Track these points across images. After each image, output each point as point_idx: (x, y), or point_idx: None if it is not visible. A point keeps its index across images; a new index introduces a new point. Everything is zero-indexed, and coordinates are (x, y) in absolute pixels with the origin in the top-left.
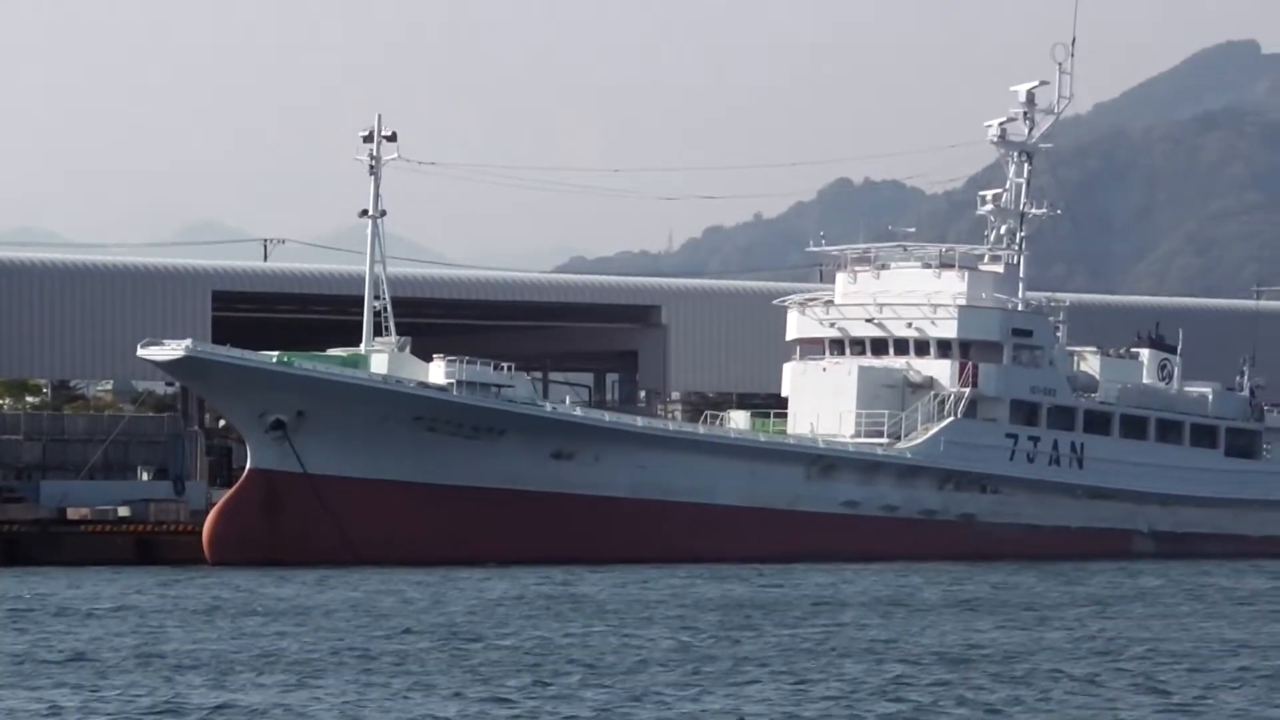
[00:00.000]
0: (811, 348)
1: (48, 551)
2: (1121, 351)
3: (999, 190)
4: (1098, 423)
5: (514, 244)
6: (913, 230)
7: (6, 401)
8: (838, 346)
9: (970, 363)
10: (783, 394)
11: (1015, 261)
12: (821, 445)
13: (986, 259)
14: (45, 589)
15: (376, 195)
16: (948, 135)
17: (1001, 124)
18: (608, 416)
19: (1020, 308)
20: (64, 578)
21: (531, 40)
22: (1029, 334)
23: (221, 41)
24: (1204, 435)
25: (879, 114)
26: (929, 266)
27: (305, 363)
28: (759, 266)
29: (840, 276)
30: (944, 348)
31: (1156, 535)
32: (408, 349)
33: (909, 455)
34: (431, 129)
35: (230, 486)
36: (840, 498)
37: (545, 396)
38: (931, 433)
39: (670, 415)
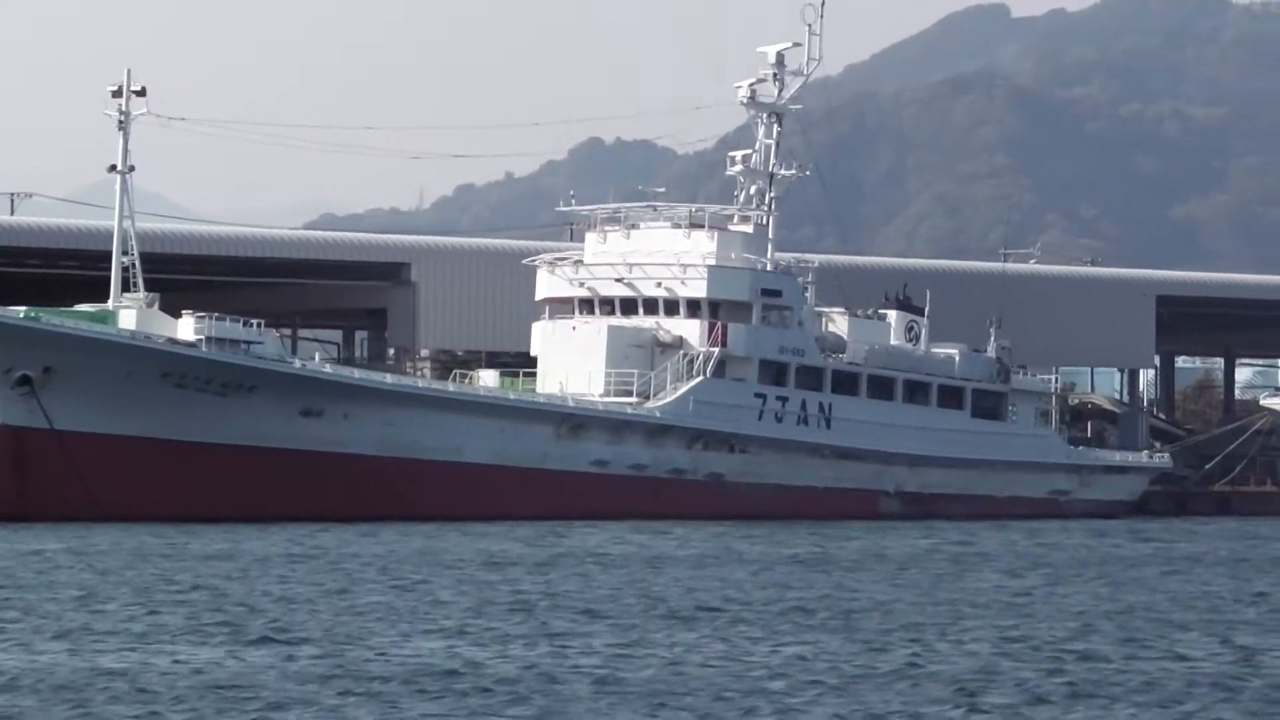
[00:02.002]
0: (561, 307)
1: None
2: (869, 313)
3: (749, 151)
4: (845, 383)
5: (265, 200)
6: (663, 190)
7: None
8: (587, 306)
9: (719, 322)
10: (532, 353)
11: (764, 222)
12: (571, 404)
13: (736, 219)
14: None
15: (125, 150)
16: (699, 96)
17: (751, 85)
18: (356, 374)
19: (769, 268)
20: None
21: None
22: (778, 294)
23: None
24: (950, 396)
25: (631, 74)
26: (679, 226)
27: (52, 318)
28: (510, 225)
29: (590, 236)
30: (693, 307)
31: (903, 496)
32: (156, 305)
33: (658, 414)
34: (183, 84)
35: None
36: (589, 456)
37: (294, 353)
38: (680, 392)
39: (419, 373)
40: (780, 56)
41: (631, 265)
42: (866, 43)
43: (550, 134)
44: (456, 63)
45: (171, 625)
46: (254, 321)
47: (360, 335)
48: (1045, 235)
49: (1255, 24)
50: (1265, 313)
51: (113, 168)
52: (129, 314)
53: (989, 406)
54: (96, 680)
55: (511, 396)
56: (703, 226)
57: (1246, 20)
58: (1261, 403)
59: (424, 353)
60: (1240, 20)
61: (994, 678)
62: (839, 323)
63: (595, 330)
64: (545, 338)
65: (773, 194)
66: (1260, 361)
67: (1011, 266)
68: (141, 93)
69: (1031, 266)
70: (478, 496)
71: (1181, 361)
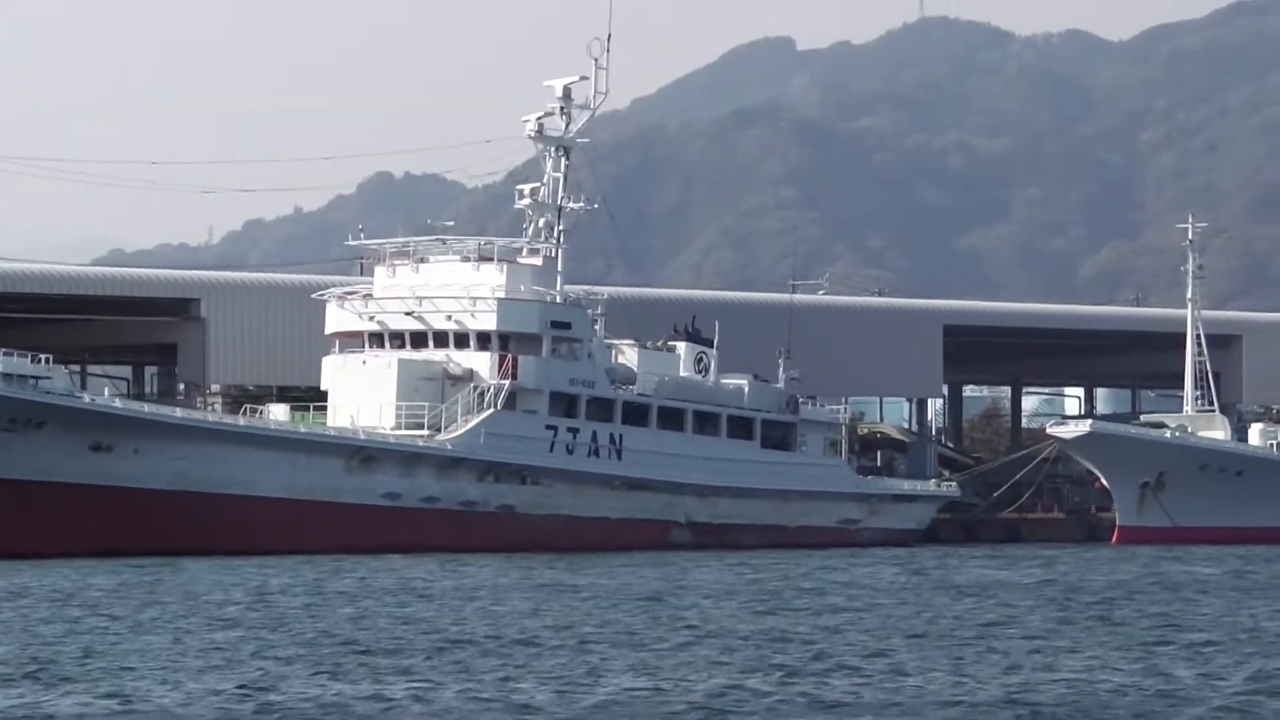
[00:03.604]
0: (351, 341)
1: None
2: (659, 344)
3: (537, 185)
4: (636, 415)
5: (53, 237)
6: (452, 224)
7: None
8: (377, 339)
9: (509, 355)
10: (323, 387)
11: (553, 255)
12: (362, 437)
13: (525, 252)
14: None
15: None
16: (489, 129)
17: (539, 119)
18: (147, 409)
19: (559, 300)
20: None
21: (70, 30)
22: (568, 326)
23: None
24: (740, 427)
25: (420, 107)
26: (468, 260)
27: None
28: (299, 260)
29: (379, 270)
30: (483, 340)
31: (694, 526)
32: None
33: (449, 447)
34: None
35: None
36: (381, 489)
37: (84, 389)
38: (471, 424)
39: (210, 408)
40: (567, 90)
41: (421, 299)
42: (653, 76)
43: (339, 168)
44: (243, 96)
45: None
46: (43, 357)
47: (150, 371)
48: (833, 266)
49: (1037, 56)
50: (1050, 341)
51: None
52: None
53: (778, 437)
54: None
55: (302, 430)
56: (492, 259)
57: (1029, 52)
58: (1048, 430)
59: (214, 388)
60: (1022, 52)
61: None
62: (629, 354)
63: (385, 364)
64: (335, 372)
65: (561, 227)
66: (1046, 390)
67: (799, 298)
68: None
69: (819, 298)
70: (270, 530)
71: (969, 391)
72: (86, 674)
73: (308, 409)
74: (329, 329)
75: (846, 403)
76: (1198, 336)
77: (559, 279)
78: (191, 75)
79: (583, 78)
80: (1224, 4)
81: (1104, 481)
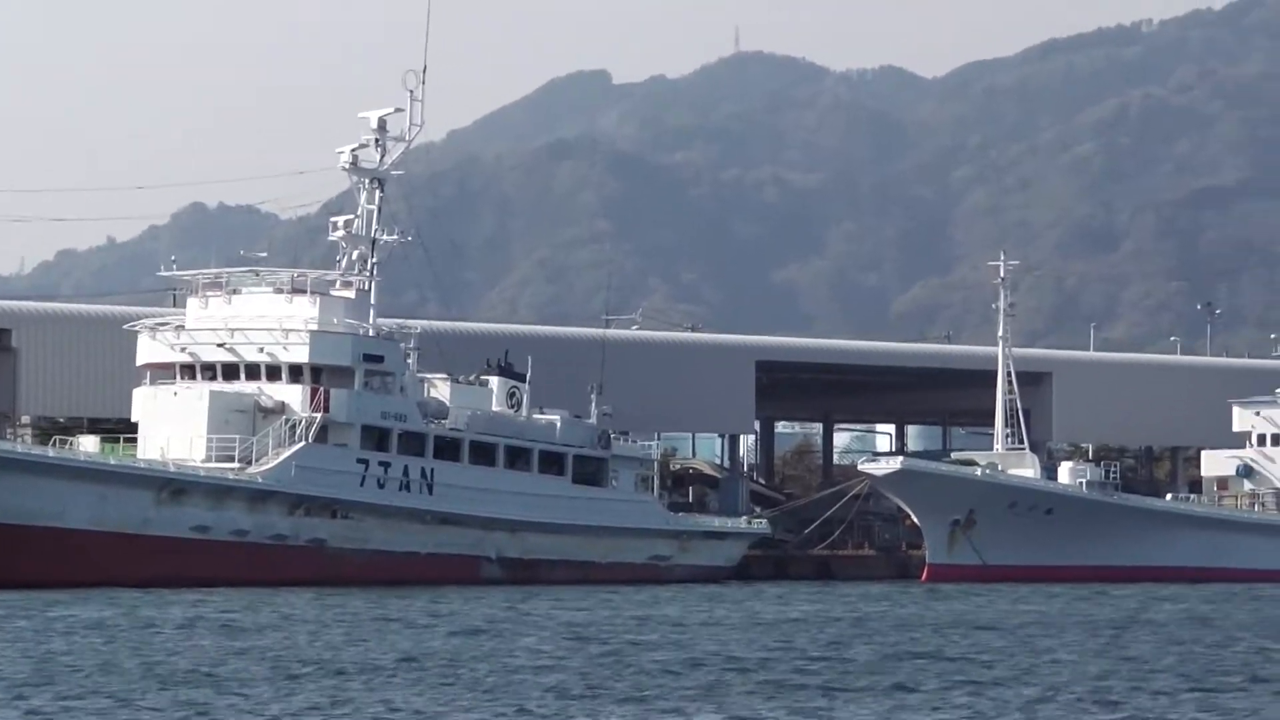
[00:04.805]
0: (163, 372)
1: None
2: (471, 379)
3: (351, 217)
4: (448, 449)
5: None
6: (265, 255)
7: None
8: (189, 371)
9: (321, 388)
10: (134, 419)
11: (367, 288)
12: (172, 469)
13: (338, 285)
14: None
15: None
16: (303, 160)
17: (354, 150)
18: None
19: (372, 333)
20: None
21: None
22: (380, 360)
23: None
24: (552, 462)
25: (233, 137)
26: (281, 291)
27: None
28: (112, 290)
29: (192, 301)
30: (295, 373)
31: (504, 562)
32: None
33: (260, 480)
34: None
35: None
36: (190, 522)
37: None
38: (282, 458)
39: (19, 439)
40: (382, 122)
41: (233, 330)
42: (469, 108)
43: (153, 198)
44: (55, 123)
45: None
46: None
47: None
48: (647, 300)
49: (852, 92)
50: (863, 378)
51: None
52: None
53: (590, 472)
54: None
55: (112, 461)
56: (305, 292)
57: (843, 87)
58: (859, 467)
59: (25, 419)
60: (837, 87)
61: None
62: (441, 388)
63: (196, 395)
64: (146, 403)
65: (375, 259)
66: (858, 426)
67: (612, 333)
68: None
69: (633, 333)
70: (79, 562)
71: (781, 426)
72: None
73: (118, 440)
74: (140, 360)
75: (659, 438)
76: (1008, 374)
77: (372, 312)
78: (2, 102)
79: (398, 109)
80: (1036, 42)
81: (914, 519)
